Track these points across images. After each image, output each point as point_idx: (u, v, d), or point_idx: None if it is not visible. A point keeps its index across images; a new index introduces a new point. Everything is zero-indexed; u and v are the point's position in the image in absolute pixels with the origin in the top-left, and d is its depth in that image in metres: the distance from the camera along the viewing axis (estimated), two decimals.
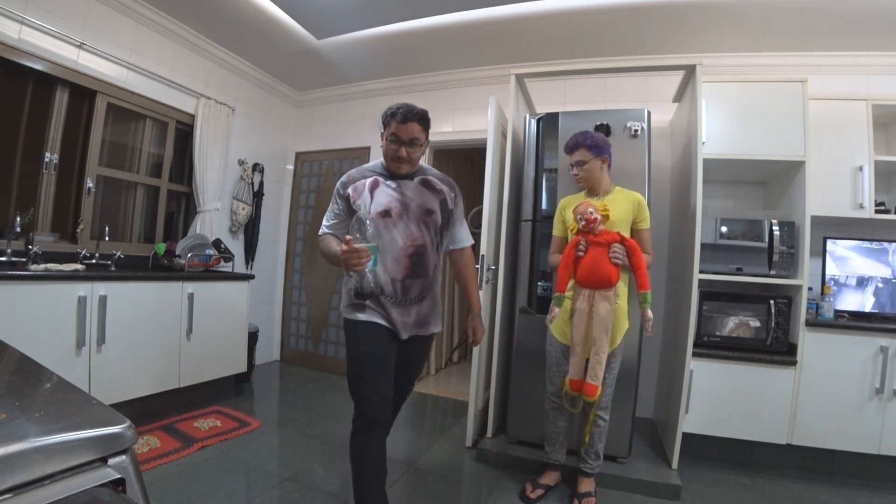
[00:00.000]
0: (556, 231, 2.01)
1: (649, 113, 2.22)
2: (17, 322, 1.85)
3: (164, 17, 2.87)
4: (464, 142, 3.48)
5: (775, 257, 2.25)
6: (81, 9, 2.49)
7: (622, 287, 1.84)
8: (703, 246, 2.16)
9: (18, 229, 2.21)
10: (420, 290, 1.52)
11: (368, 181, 1.54)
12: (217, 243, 3.13)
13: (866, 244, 2.42)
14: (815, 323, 2.19)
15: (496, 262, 2.41)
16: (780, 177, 2.52)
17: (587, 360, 1.81)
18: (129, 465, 0.57)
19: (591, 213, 1.77)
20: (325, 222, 1.58)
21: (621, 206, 1.84)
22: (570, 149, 1.92)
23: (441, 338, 4.11)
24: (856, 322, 2.22)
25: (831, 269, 2.44)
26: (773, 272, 2.27)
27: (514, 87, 2.46)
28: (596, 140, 1.87)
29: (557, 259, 1.95)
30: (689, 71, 2.32)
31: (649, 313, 1.75)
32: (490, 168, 2.37)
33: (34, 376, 0.75)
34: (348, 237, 1.33)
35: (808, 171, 2.21)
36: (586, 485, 1.90)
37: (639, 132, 2.17)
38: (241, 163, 3.56)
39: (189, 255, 2.75)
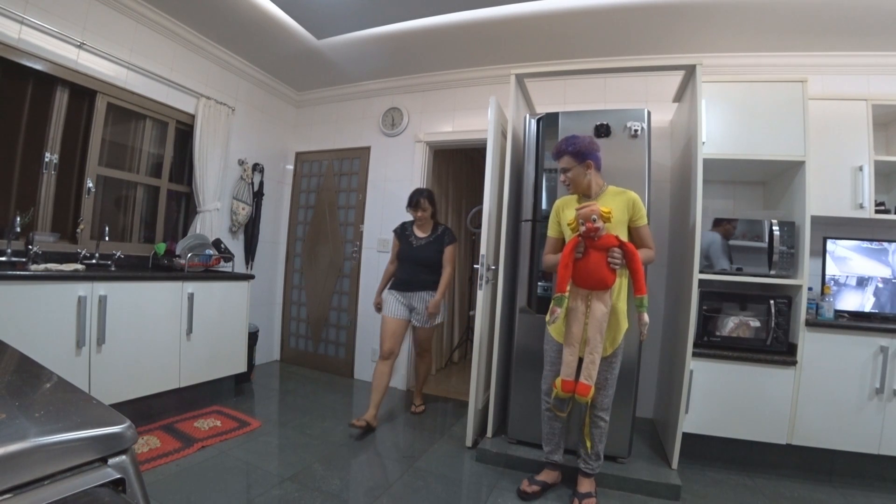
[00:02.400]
0: (551, 232, 2.01)
1: (649, 113, 2.22)
2: (17, 322, 1.85)
3: (164, 17, 2.87)
4: (464, 142, 3.48)
5: (775, 257, 2.25)
6: (81, 9, 2.49)
7: (623, 286, 1.84)
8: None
9: (18, 229, 2.21)
10: None
11: None
12: (217, 243, 3.13)
13: (866, 244, 2.42)
14: (815, 323, 2.19)
15: (496, 262, 2.41)
16: (780, 177, 2.52)
17: (580, 360, 1.81)
18: (129, 465, 0.57)
19: (594, 220, 1.73)
20: None
21: (615, 207, 1.83)
22: (556, 156, 1.93)
23: (441, 338, 4.11)
24: (856, 322, 2.22)
25: (831, 269, 2.44)
26: (773, 272, 2.27)
27: (514, 87, 2.46)
28: (578, 146, 1.86)
29: (551, 259, 1.96)
30: (689, 71, 2.33)
31: (646, 318, 1.75)
32: (490, 168, 2.37)
33: (34, 376, 0.75)
34: None
35: (808, 171, 2.21)
36: (586, 485, 1.90)
37: (639, 132, 2.17)
38: (241, 163, 3.56)
39: (189, 255, 2.75)
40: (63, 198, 2.58)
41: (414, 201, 2.75)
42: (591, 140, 1.90)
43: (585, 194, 1.92)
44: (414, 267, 2.75)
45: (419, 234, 2.81)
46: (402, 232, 2.84)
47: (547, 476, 2.01)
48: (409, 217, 2.89)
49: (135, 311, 2.32)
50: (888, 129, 2.57)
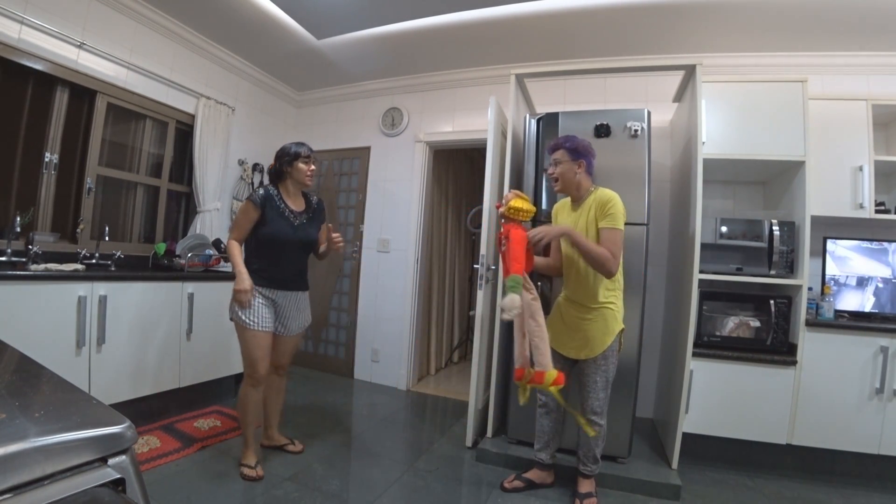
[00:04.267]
0: None
1: (649, 113, 2.22)
2: (17, 322, 1.85)
3: (164, 17, 2.87)
4: (464, 142, 3.48)
5: (775, 257, 2.25)
6: (81, 9, 2.49)
7: (601, 290, 1.81)
8: (703, 246, 2.16)
9: (18, 229, 2.21)
10: None
11: None
12: (217, 243, 3.12)
13: (866, 244, 2.42)
14: (815, 323, 2.19)
15: (496, 262, 2.41)
16: (780, 177, 2.52)
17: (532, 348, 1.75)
18: (129, 465, 0.57)
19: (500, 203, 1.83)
20: None
21: (591, 209, 1.83)
22: (552, 149, 1.94)
23: (441, 338, 4.11)
24: (856, 322, 2.22)
25: (831, 269, 2.44)
26: (773, 272, 2.27)
27: (514, 87, 2.46)
28: (576, 144, 1.88)
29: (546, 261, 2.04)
30: (689, 71, 2.33)
31: (506, 299, 1.56)
32: (490, 168, 2.37)
33: (34, 376, 0.75)
34: None
35: (808, 171, 2.21)
36: (586, 485, 1.90)
37: (639, 132, 2.17)
38: (241, 163, 3.56)
39: (189, 255, 2.74)
40: (63, 198, 2.58)
41: (305, 151, 1.99)
42: (590, 144, 1.91)
43: (572, 194, 1.93)
44: (297, 254, 1.98)
45: (293, 206, 2.00)
46: (270, 202, 1.94)
47: (535, 475, 2.01)
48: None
49: (135, 311, 2.32)
50: (888, 129, 2.57)
